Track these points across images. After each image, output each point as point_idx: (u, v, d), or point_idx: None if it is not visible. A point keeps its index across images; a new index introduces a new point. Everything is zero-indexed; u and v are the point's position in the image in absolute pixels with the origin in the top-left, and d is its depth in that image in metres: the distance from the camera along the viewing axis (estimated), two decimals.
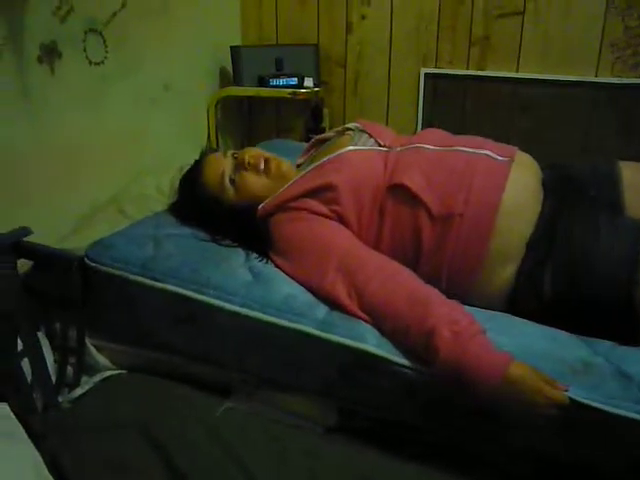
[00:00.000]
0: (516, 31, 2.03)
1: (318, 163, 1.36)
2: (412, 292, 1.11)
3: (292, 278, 1.24)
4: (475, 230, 1.21)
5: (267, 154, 1.45)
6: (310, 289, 1.21)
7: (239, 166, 1.41)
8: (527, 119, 2.08)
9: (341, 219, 1.27)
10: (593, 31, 1.94)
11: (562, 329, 1.13)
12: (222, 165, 1.42)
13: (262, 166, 1.41)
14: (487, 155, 1.28)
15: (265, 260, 1.30)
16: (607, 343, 1.11)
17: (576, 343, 1.10)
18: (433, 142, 1.34)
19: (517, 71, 2.06)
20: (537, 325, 1.14)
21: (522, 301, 1.19)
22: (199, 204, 1.44)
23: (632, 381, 1.01)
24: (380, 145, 1.39)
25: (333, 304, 1.17)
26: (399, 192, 1.26)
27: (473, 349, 1.00)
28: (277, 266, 1.28)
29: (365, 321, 1.13)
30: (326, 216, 1.27)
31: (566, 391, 0.98)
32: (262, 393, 1.26)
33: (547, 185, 1.32)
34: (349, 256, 1.20)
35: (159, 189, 1.73)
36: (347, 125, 1.53)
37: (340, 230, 1.26)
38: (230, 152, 1.46)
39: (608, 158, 1.40)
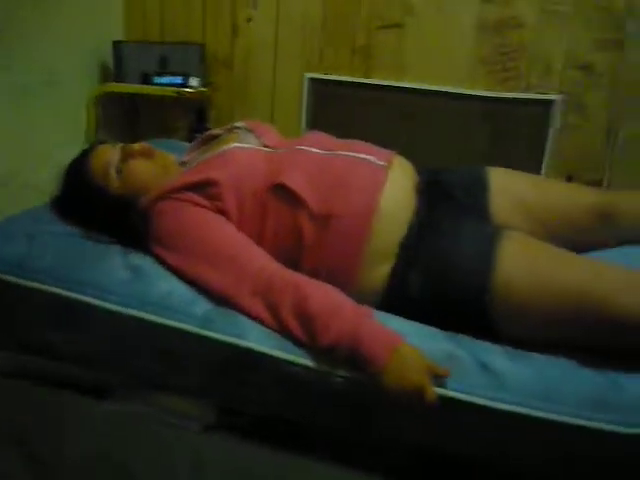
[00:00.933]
0: (397, 43, 2.12)
1: (203, 158, 1.37)
2: (299, 284, 1.15)
3: (173, 269, 1.24)
4: (353, 230, 1.26)
5: (153, 147, 1.44)
6: (193, 281, 1.21)
7: (127, 156, 1.38)
8: (408, 127, 2.18)
9: (223, 214, 1.29)
10: (467, 47, 2.08)
11: (430, 325, 1.20)
12: (109, 155, 1.39)
13: (149, 153, 1.40)
14: (367, 160, 1.34)
15: (144, 255, 1.29)
16: (468, 337, 1.18)
17: (442, 337, 1.17)
18: (317, 145, 1.39)
19: (399, 80, 2.16)
20: (407, 321, 1.19)
21: (394, 299, 1.24)
22: (82, 194, 1.39)
23: (490, 371, 1.10)
24: (265, 146, 1.42)
25: (216, 295, 1.19)
26: (280, 192, 1.29)
27: (367, 326, 1.08)
28: (157, 256, 1.27)
29: (249, 312, 1.16)
30: (209, 209, 1.28)
31: (447, 375, 1.06)
32: (141, 393, 1.25)
33: (420, 189, 1.40)
34: (240, 248, 1.23)
35: (36, 185, 1.66)
36: (235, 124, 1.54)
37: (224, 222, 1.28)
38: (119, 145, 1.43)
39: (478, 165, 1.52)
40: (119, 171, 1.37)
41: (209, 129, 2.18)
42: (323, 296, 1.14)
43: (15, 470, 1.03)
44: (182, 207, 1.28)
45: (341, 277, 1.25)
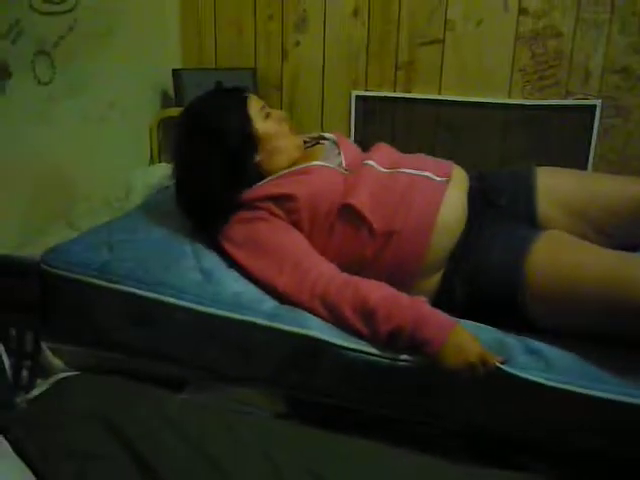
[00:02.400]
0: (437, 57, 2.22)
1: (287, 171, 1.48)
2: (357, 284, 1.26)
3: (241, 266, 1.36)
4: (412, 246, 1.35)
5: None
6: (258, 279, 1.33)
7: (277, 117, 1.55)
8: (449, 137, 2.26)
9: (295, 226, 1.40)
10: (505, 58, 2.15)
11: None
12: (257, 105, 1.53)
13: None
14: (427, 177, 1.43)
15: (213, 259, 1.41)
16: (513, 334, 1.25)
17: (490, 329, 1.25)
18: (382, 163, 1.48)
19: (439, 93, 2.25)
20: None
21: (442, 304, 1.30)
22: (239, 126, 1.48)
23: (539, 355, 1.17)
24: (344, 166, 1.51)
25: (284, 299, 1.30)
26: (347, 211, 1.39)
27: (424, 312, 1.18)
28: (227, 252, 1.40)
29: (317, 311, 1.26)
30: (283, 220, 1.40)
31: (503, 363, 1.13)
32: (214, 385, 1.35)
33: (470, 199, 1.46)
34: (304, 256, 1.34)
35: (107, 203, 1.81)
36: (324, 134, 1.66)
37: (294, 231, 1.39)
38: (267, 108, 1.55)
39: (527, 165, 1.57)
40: (269, 115, 1.52)
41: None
42: (380, 291, 1.23)
43: (105, 447, 1.13)
44: (259, 214, 1.40)
45: (398, 287, 1.31)
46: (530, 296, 1.24)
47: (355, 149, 1.63)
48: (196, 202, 1.50)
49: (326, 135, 1.66)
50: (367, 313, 1.21)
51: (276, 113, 1.55)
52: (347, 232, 1.39)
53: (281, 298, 1.31)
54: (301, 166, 1.48)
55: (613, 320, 1.16)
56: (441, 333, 1.14)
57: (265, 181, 1.47)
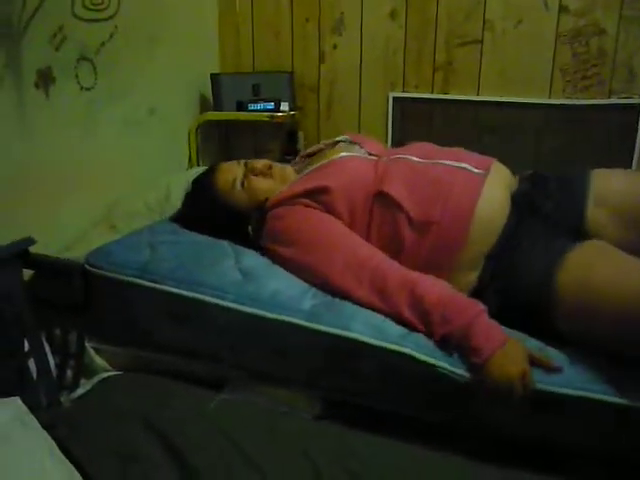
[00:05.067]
0: (476, 58, 2.19)
1: (316, 166, 1.49)
2: (416, 282, 1.24)
3: (287, 261, 1.37)
4: (450, 237, 1.33)
5: (274, 163, 1.60)
6: (316, 278, 1.34)
7: (249, 172, 1.54)
8: (487, 139, 2.23)
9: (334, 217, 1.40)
10: (545, 57, 2.11)
11: None
12: (235, 171, 1.56)
13: (268, 170, 1.55)
14: (465, 168, 1.41)
15: (252, 258, 1.42)
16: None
17: (528, 337, 1.23)
18: (418, 154, 1.46)
19: (478, 94, 2.22)
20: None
21: None
22: (208, 205, 1.56)
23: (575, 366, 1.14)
24: (370, 154, 1.51)
25: (337, 292, 1.30)
26: (383, 199, 1.38)
27: (477, 322, 1.16)
28: (270, 251, 1.41)
29: (366, 305, 1.26)
30: (322, 211, 1.40)
31: (559, 370, 1.11)
32: (253, 385, 1.36)
33: (514, 199, 1.42)
34: (356, 247, 1.33)
35: (147, 206, 1.83)
36: (338, 138, 1.66)
37: (337, 221, 1.39)
38: (242, 161, 1.59)
39: (582, 169, 1.48)
40: (243, 185, 1.53)
41: (299, 150, 2.32)
42: (438, 292, 1.21)
43: (146, 446, 1.15)
44: (297, 209, 1.40)
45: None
46: (560, 312, 1.20)
47: (376, 143, 1.63)
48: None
49: (340, 138, 1.66)
50: (423, 313, 1.21)
51: (251, 170, 1.56)
52: (385, 220, 1.38)
53: (334, 291, 1.31)
54: (327, 160, 1.48)
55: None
56: (489, 345, 1.12)
57: (290, 183, 1.50)
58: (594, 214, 1.38)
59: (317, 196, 1.40)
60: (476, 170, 1.41)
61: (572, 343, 1.19)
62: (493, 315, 1.23)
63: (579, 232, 1.37)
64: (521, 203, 1.42)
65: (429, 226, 1.34)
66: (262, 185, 1.53)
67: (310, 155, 1.72)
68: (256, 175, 1.54)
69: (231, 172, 1.56)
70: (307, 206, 1.40)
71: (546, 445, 1.19)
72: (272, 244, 1.42)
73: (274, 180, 1.55)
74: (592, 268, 1.18)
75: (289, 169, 1.61)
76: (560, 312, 1.20)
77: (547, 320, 1.22)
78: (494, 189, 1.39)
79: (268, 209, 1.46)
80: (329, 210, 1.39)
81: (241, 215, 1.52)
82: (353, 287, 1.28)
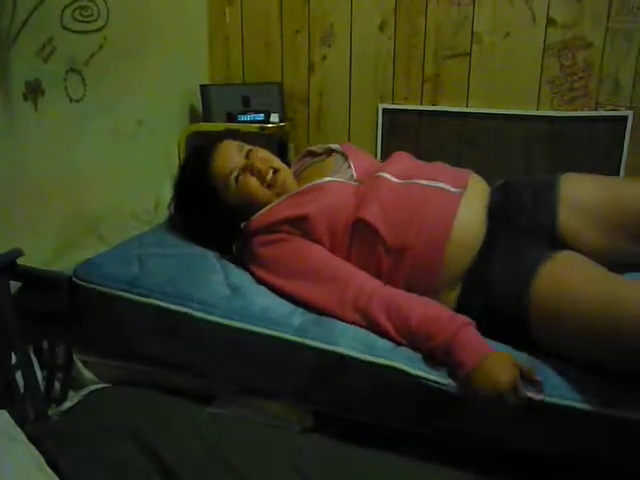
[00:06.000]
0: (464, 70, 2.21)
1: (297, 190, 1.48)
2: (400, 304, 1.25)
3: (277, 290, 1.37)
4: (425, 260, 1.35)
5: (276, 163, 1.55)
6: (297, 300, 1.34)
7: (247, 168, 1.50)
8: (476, 150, 2.24)
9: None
10: (533, 70, 2.13)
11: None
12: (234, 159, 1.51)
13: (268, 177, 1.51)
14: (441, 188, 1.41)
15: (241, 274, 1.42)
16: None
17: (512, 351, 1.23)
18: (396, 173, 1.47)
19: (466, 106, 2.24)
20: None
21: None
22: (199, 191, 1.53)
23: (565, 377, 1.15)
24: (354, 179, 1.51)
25: (324, 313, 1.30)
26: (360, 225, 1.39)
27: (461, 337, 1.16)
28: (260, 279, 1.40)
29: (359, 325, 1.27)
30: (304, 238, 1.40)
31: (539, 382, 1.12)
32: (242, 399, 1.35)
33: (490, 213, 1.43)
34: (338, 269, 1.34)
35: (136, 216, 1.83)
36: (332, 146, 1.66)
37: (320, 247, 1.40)
38: (246, 148, 1.55)
39: (552, 173, 1.52)
40: (237, 180, 1.49)
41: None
42: (422, 310, 1.22)
43: (134, 460, 1.14)
44: (280, 238, 1.41)
45: None
46: (534, 320, 1.22)
47: (367, 159, 1.64)
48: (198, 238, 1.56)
49: (333, 147, 1.66)
50: (408, 333, 1.22)
51: (250, 167, 1.52)
52: (363, 247, 1.39)
53: (320, 313, 1.31)
54: (311, 184, 1.47)
55: (610, 346, 1.11)
56: (474, 358, 1.13)
57: (274, 204, 1.48)
58: (567, 220, 1.40)
59: (298, 223, 1.41)
60: (453, 189, 1.41)
61: (551, 355, 1.21)
62: (483, 332, 1.24)
63: (554, 239, 1.39)
64: (496, 217, 1.43)
65: (404, 251, 1.35)
66: (255, 190, 1.50)
67: (312, 153, 1.72)
68: (253, 175, 1.51)
69: (231, 159, 1.51)
70: (288, 232, 1.41)
71: (537, 456, 1.19)
72: (257, 269, 1.43)
73: (271, 189, 1.52)
74: (561, 279, 1.21)
75: (290, 182, 1.56)
76: (534, 324, 1.22)
77: (524, 332, 1.24)
78: (470, 208, 1.39)
79: (250, 230, 1.46)
80: (309, 236, 1.40)
81: (228, 209, 1.50)
82: (337, 311, 1.29)
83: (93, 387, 1.42)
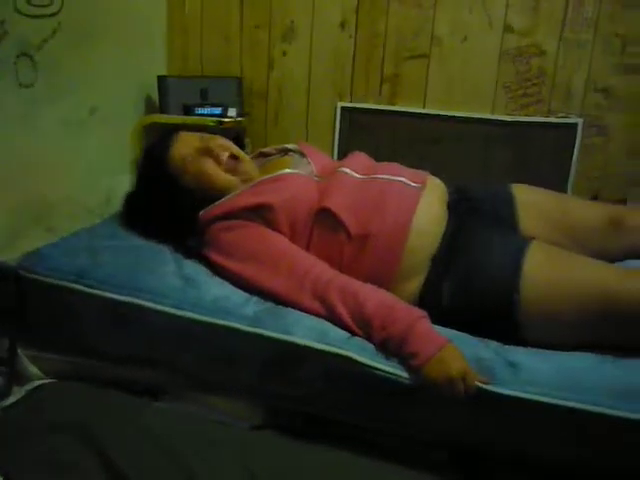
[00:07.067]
0: (423, 71, 2.23)
1: (259, 180, 1.47)
2: (357, 291, 1.26)
3: (234, 275, 1.35)
4: (388, 248, 1.36)
5: (236, 150, 1.53)
6: (254, 286, 1.33)
7: (202, 150, 1.48)
8: (432, 151, 2.27)
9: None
10: (489, 74, 2.17)
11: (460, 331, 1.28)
12: (191, 147, 1.49)
13: (224, 158, 1.49)
14: (401, 182, 1.44)
15: (194, 265, 1.40)
16: (495, 342, 1.26)
17: (471, 342, 1.25)
18: (357, 169, 1.49)
19: (424, 107, 2.26)
20: (439, 327, 1.25)
21: (426, 309, 1.29)
22: (156, 179, 1.50)
23: (517, 368, 1.17)
24: (315, 174, 1.52)
25: (277, 299, 1.30)
26: (325, 215, 1.39)
27: (416, 328, 1.17)
28: (216, 264, 1.39)
29: (309, 312, 1.26)
30: (264, 226, 1.40)
31: (486, 384, 1.13)
32: (190, 394, 1.34)
33: (451, 207, 1.49)
34: (297, 257, 1.34)
35: (86, 208, 1.79)
36: (287, 146, 1.65)
37: (279, 235, 1.39)
38: (206, 137, 1.53)
39: (503, 182, 1.62)
40: (192, 162, 1.47)
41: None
42: (378, 300, 1.23)
43: (79, 456, 1.11)
44: (241, 224, 1.39)
45: None
46: (525, 303, 1.25)
47: (324, 157, 1.64)
48: (155, 230, 1.52)
49: (289, 146, 1.66)
50: (363, 320, 1.22)
51: (204, 148, 1.50)
52: (325, 236, 1.40)
53: (277, 300, 1.31)
54: (275, 174, 1.47)
55: (603, 330, 1.20)
56: (428, 348, 1.14)
57: (237, 192, 1.46)
58: (524, 217, 1.50)
59: (259, 212, 1.40)
60: (412, 184, 1.45)
61: (533, 340, 1.24)
62: (446, 313, 1.28)
63: (517, 230, 1.49)
64: (459, 207, 1.49)
65: (367, 240, 1.36)
66: (212, 173, 1.48)
67: (264, 155, 1.71)
68: (208, 157, 1.48)
69: (189, 145, 1.50)
70: (249, 220, 1.40)
71: (488, 453, 1.21)
72: (215, 254, 1.40)
73: (237, 175, 1.50)
74: (552, 264, 1.28)
75: (255, 171, 1.55)
76: (524, 308, 1.25)
77: (508, 315, 1.26)
78: (430, 200, 1.44)
79: (211, 216, 1.44)
80: (271, 225, 1.40)
81: (186, 195, 1.47)
82: (296, 298, 1.29)
83: (38, 382, 1.38)
